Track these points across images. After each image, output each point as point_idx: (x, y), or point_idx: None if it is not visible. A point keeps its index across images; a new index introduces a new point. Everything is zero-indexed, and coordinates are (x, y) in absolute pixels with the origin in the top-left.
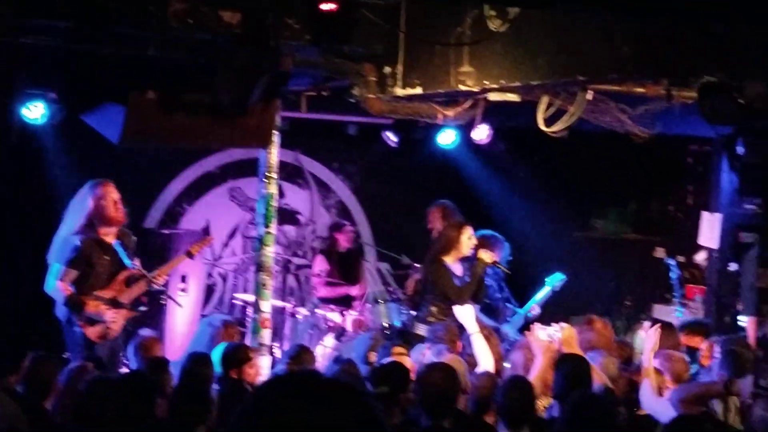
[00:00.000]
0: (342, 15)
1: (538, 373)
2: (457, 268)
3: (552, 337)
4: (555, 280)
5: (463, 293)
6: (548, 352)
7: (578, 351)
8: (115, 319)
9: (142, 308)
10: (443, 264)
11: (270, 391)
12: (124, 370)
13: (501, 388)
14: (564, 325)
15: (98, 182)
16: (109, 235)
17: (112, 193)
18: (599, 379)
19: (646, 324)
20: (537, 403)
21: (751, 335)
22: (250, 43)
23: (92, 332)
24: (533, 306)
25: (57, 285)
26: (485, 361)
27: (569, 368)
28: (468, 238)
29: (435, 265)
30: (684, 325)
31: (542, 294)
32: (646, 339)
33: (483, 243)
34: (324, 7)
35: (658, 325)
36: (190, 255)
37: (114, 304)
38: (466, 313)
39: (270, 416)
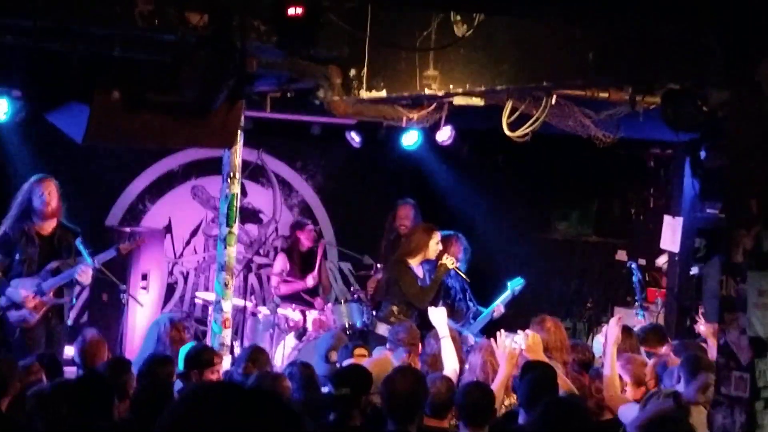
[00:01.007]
0: (308, 19)
1: (501, 380)
2: (419, 270)
3: (516, 343)
4: (516, 284)
5: (425, 295)
6: (512, 359)
7: (543, 358)
8: (36, 306)
9: (66, 299)
10: (407, 265)
11: (190, 403)
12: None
13: (461, 390)
14: (528, 332)
15: (39, 177)
16: (45, 229)
17: (48, 188)
18: (564, 385)
19: (606, 325)
20: (499, 403)
21: (712, 342)
22: (216, 44)
23: (13, 316)
24: (497, 306)
25: None
26: (451, 365)
27: (535, 375)
28: (436, 243)
29: (399, 266)
30: (643, 332)
31: (503, 297)
32: (608, 332)
33: (444, 242)
34: (290, 11)
35: (619, 317)
36: (119, 252)
37: (38, 291)
38: (438, 316)
39: (189, 428)
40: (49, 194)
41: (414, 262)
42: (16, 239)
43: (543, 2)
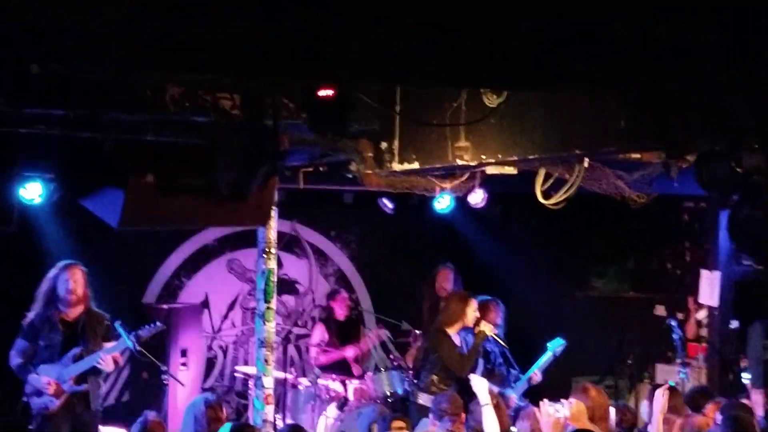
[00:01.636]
0: (338, 100)
1: None
2: (457, 338)
3: (559, 412)
4: (556, 345)
5: (465, 363)
6: (557, 428)
7: (588, 426)
8: (57, 393)
9: (85, 386)
10: (447, 334)
11: None
12: None
13: None
14: (572, 400)
15: (65, 264)
16: (70, 315)
17: (74, 275)
18: None
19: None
20: None
21: (759, 410)
22: (250, 130)
23: (36, 403)
24: (535, 372)
25: (10, 354)
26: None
27: None
28: (473, 311)
29: (438, 335)
30: (691, 393)
31: (544, 359)
32: (654, 402)
33: (481, 308)
34: (321, 93)
35: (666, 386)
36: (138, 338)
37: (59, 378)
38: (480, 384)
39: None
40: (75, 282)
41: (452, 331)
42: (40, 326)
43: (570, 75)
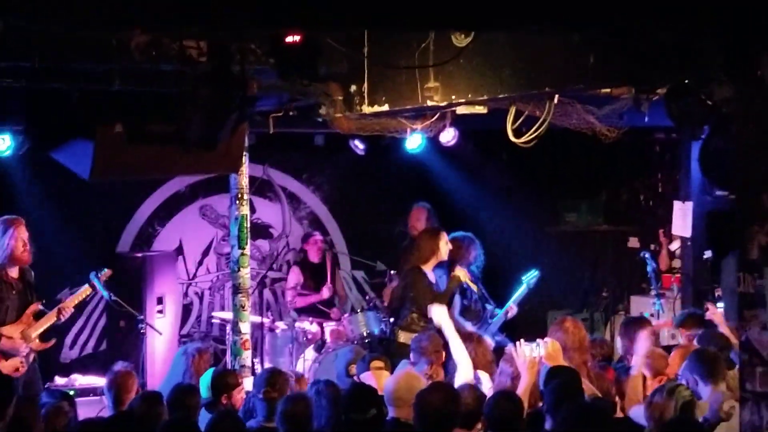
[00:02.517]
0: (306, 45)
1: (524, 388)
2: (432, 276)
3: (534, 351)
4: (530, 277)
5: (440, 301)
6: (533, 367)
7: (563, 363)
8: (27, 355)
9: (52, 341)
10: (421, 272)
11: None
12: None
13: (489, 401)
14: (548, 339)
15: (7, 220)
16: (14, 272)
17: (22, 233)
18: (588, 390)
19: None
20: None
21: (724, 330)
22: (217, 80)
23: (6, 366)
24: (511, 306)
25: None
26: (464, 365)
27: (559, 381)
28: (445, 244)
29: (413, 273)
30: (680, 319)
31: (519, 292)
32: (638, 346)
33: (456, 245)
34: (288, 39)
35: (651, 329)
36: (92, 286)
37: (25, 338)
38: (441, 314)
39: None
40: (25, 238)
41: (427, 268)
42: None
43: (539, 15)
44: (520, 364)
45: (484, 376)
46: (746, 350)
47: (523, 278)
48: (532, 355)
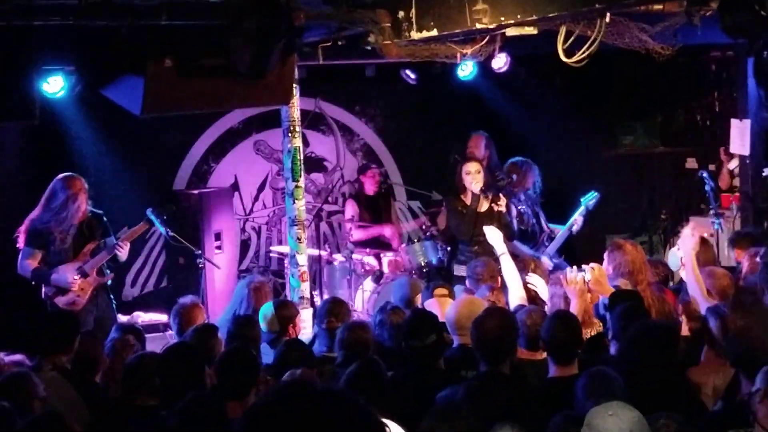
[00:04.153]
0: None
1: (576, 313)
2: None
3: (580, 277)
4: (589, 199)
5: (463, 229)
6: (582, 293)
7: (609, 289)
8: (83, 287)
9: (109, 275)
10: (453, 203)
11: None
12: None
13: (546, 325)
14: (594, 265)
15: (68, 182)
16: (75, 220)
17: (77, 190)
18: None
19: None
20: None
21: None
22: (263, 8)
23: (61, 301)
24: (574, 220)
25: (23, 264)
26: (514, 284)
27: (624, 306)
28: (466, 174)
29: (448, 206)
30: (733, 238)
31: (578, 213)
32: (683, 244)
33: (514, 169)
34: None
35: (693, 225)
36: (149, 222)
37: (81, 273)
38: (493, 235)
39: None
40: (80, 199)
41: (466, 199)
42: (47, 233)
43: None
44: (570, 291)
45: (538, 281)
46: None
47: (582, 199)
48: (578, 280)
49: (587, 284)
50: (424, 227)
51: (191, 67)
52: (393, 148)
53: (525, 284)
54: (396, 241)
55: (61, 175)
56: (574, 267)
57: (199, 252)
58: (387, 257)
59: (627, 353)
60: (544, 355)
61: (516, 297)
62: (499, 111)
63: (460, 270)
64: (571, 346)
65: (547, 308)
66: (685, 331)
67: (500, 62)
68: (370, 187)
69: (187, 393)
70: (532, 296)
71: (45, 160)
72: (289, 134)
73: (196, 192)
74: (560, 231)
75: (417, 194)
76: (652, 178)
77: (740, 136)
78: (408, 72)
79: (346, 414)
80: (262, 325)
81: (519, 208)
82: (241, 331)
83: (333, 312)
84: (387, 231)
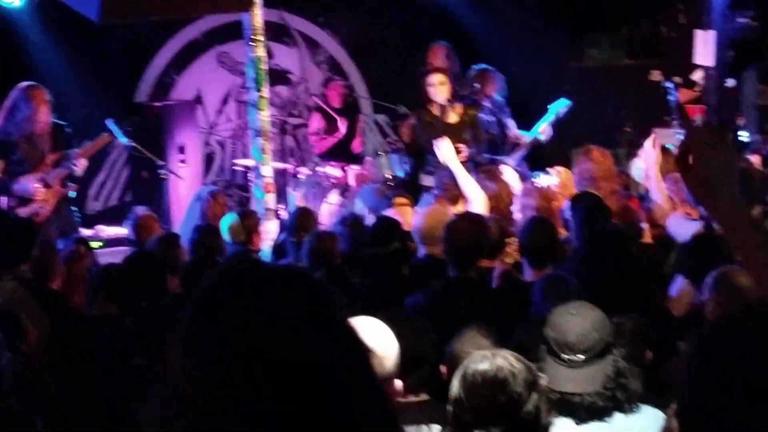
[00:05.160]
0: None
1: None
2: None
3: (547, 181)
4: (559, 106)
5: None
6: (545, 198)
7: (575, 192)
8: (46, 198)
9: (71, 186)
10: (420, 115)
11: (215, 287)
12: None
13: (523, 228)
14: (560, 168)
15: (28, 87)
16: (37, 129)
17: (39, 101)
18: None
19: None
20: None
21: (755, 159)
22: None
23: (24, 212)
24: (542, 127)
25: None
26: (474, 197)
27: (583, 205)
28: (429, 86)
29: (416, 116)
30: None
31: (546, 121)
32: (645, 156)
33: (477, 77)
34: None
35: (653, 137)
36: (110, 133)
37: (43, 183)
38: (443, 147)
39: (218, 313)
40: (41, 111)
41: (434, 110)
42: (8, 142)
43: None
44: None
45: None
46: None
47: (550, 106)
48: (542, 185)
49: (552, 187)
50: (389, 140)
51: None
52: (358, 61)
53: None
54: (357, 142)
55: (22, 85)
56: (543, 170)
57: (162, 163)
58: (353, 170)
59: (584, 255)
60: (504, 262)
61: (476, 209)
62: (466, 22)
63: (427, 180)
64: (547, 250)
65: (518, 218)
66: (647, 237)
67: None
68: (334, 100)
69: (149, 300)
70: (497, 203)
71: (3, 70)
72: (252, 43)
73: (158, 104)
74: (527, 138)
75: (383, 107)
76: (617, 90)
77: (704, 47)
78: None
79: (303, 286)
80: (226, 236)
81: (483, 118)
82: (205, 239)
83: (302, 225)
84: (341, 128)
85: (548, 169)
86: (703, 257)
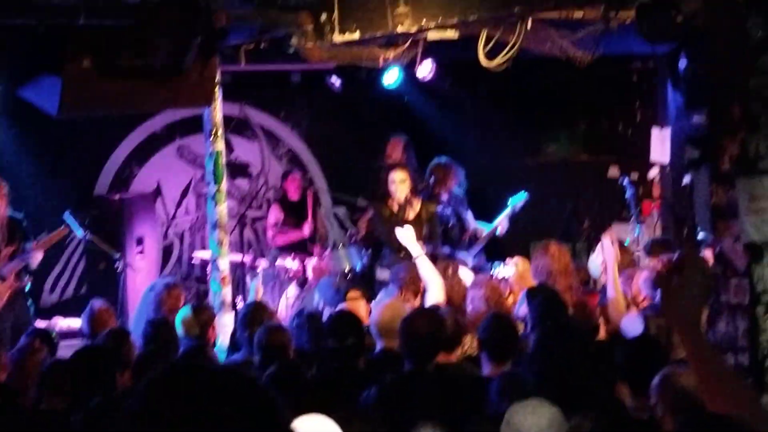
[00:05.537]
0: None
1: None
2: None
3: (501, 273)
4: (517, 200)
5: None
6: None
7: (533, 284)
8: (0, 291)
9: (26, 279)
10: (379, 209)
11: (155, 389)
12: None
13: (484, 323)
14: (518, 259)
15: None
16: None
17: (1, 195)
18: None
19: (601, 242)
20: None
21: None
22: (180, 4)
23: None
24: (500, 222)
25: None
26: (433, 285)
27: (540, 298)
28: (390, 183)
29: (374, 209)
30: (648, 246)
31: (504, 214)
32: (605, 253)
33: (439, 170)
34: None
35: (611, 235)
36: (67, 226)
37: None
38: (406, 235)
39: (156, 416)
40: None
41: (393, 206)
42: None
43: None
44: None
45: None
46: (720, 262)
47: (510, 199)
48: (499, 277)
49: (509, 279)
50: (348, 233)
51: (110, 67)
52: (318, 155)
53: (450, 286)
54: (317, 241)
55: None
56: (502, 262)
57: (117, 255)
58: (311, 263)
59: (541, 351)
60: (458, 355)
61: (434, 299)
62: (425, 118)
63: (383, 274)
64: (507, 345)
65: (468, 309)
66: (602, 334)
67: (425, 70)
68: (293, 193)
69: (96, 396)
70: (452, 299)
71: None
72: (212, 137)
73: (117, 197)
74: (485, 232)
75: (342, 200)
76: (576, 185)
77: (661, 144)
78: (333, 79)
79: (239, 389)
80: (179, 330)
81: (441, 212)
82: (158, 333)
83: (254, 319)
84: (306, 230)
85: (507, 259)
86: (643, 361)
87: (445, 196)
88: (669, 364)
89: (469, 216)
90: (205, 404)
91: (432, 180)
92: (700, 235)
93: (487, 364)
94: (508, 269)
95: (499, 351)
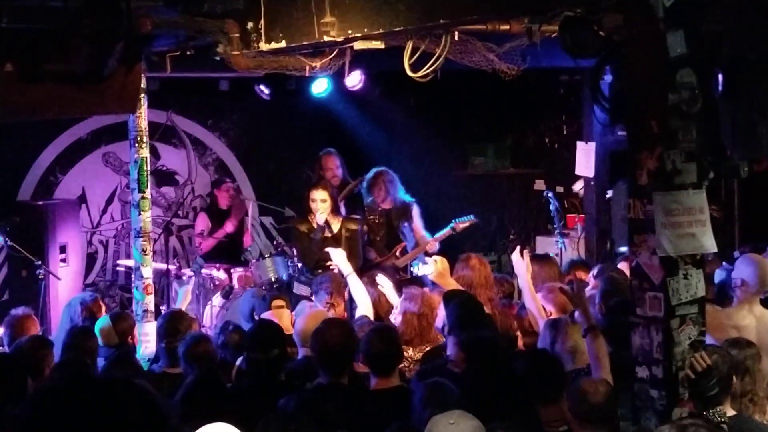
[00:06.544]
0: None
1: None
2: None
3: (424, 270)
4: (462, 221)
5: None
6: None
7: (452, 282)
8: None
9: None
10: (298, 227)
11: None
12: None
13: (364, 338)
14: (437, 258)
15: None
16: None
17: None
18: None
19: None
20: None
21: (624, 267)
22: (101, 9)
23: None
24: (438, 237)
25: None
26: (363, 303)
27: (457, 301)
28: (311, 201)
29: (291, 230)
30: (567, 266)
31: (443, 232)
32: (516, 268)
33: (373, 180)
34: None
35: (519, 250)
36: None
37: None
38: (337, 256)
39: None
40: None
41: (314, 222)
42: None
43: None
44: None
45: (386, 282)
46: (636, 275)
47: (454, 219)
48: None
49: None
50: (275, 243)
51: (32, 72)
52: (245, 163)
53: (376, 299)
54: (242, 245)
55: None
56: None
57: (39, 262)
58: (237, 272)
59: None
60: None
61: (362, 312)
62: (353, 129)
63: (300, 289)
64: (391, 358)
65: (397, 322)
66: (520, 345)
67: (354, 80)
68: (223, 201)
69: (7, 405)
70: (382, 314)
71: None
72: (136, 144)
73: (41, 203)
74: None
75: (269, 210)
76: (502, 198)
77: (585, 158)
78: (262, 87)
79: (129, 399)
80: (99, 340)
81: (371, 218)
82: (77, 341)
83: (173, 328)
84: (228, 226)
85: (426, 258)
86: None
87: (385, 205)
88: (565, 374)
89: (414, 225)
90: (88, 417)
91: (368, 189)
92: (622, 249)
93: (372, 377)
94: (427, 267)
95: (383, 364)
